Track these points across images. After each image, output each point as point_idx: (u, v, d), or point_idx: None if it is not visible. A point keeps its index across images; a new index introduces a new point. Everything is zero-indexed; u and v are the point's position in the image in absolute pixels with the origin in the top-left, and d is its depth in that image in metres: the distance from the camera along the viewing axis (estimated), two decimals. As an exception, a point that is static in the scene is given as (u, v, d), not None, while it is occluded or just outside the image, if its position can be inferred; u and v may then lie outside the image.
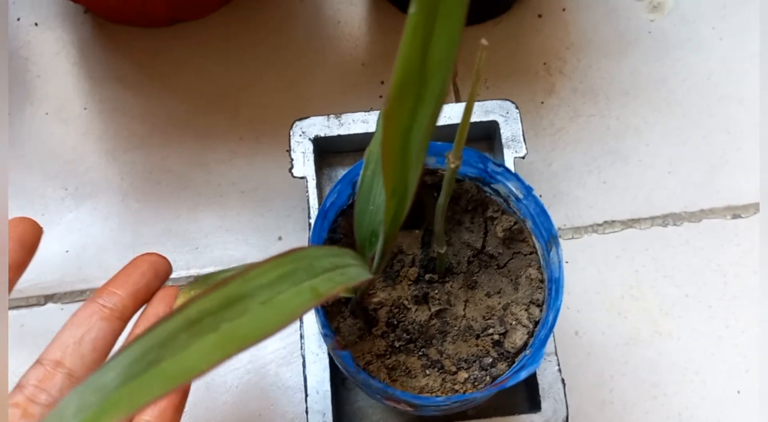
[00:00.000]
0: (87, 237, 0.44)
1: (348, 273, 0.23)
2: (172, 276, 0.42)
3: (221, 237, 0.44)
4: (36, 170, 0.46)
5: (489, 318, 0.31)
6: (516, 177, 0.29)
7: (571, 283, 0.43)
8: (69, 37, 0.50)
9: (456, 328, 0.31)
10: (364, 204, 0.27)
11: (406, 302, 0.31)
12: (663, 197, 0.45)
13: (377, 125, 0.28)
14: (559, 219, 0.45)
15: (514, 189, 0.30)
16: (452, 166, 0.26)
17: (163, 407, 0.28)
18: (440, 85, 0.21)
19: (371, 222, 0.27)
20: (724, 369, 0.41)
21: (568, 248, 0.44)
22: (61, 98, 0.48)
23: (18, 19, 0.51)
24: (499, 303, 0.31)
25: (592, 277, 0.43)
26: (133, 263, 0.31)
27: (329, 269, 0.22)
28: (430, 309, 0.31)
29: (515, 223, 0.32)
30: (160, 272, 0.31)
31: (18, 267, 0.29)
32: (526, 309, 0.30)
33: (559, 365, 0.37)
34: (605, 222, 0.45)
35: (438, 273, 0.32)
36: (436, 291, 0.31)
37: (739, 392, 0.41)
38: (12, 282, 0.29)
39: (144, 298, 0.30)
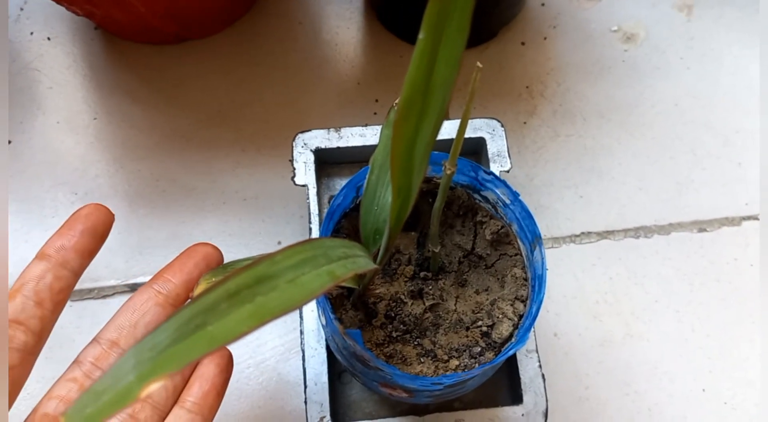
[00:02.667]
0: (96, 240, 0.47)
1: (358, 262, 0.26)
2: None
3: (224, 241, 0.47)
4: (47, 176, 0.49)
5: (478, 312, 0.34)
6: (504, 184, 0.33)
7: (550, 289, 0.46)
8: (80, 51, 0.53)
9: (448, 321, 0.34)
10: (369, 205, 0.30)
11: (402, 296, 0.34)
12: (635, 211, 0.49)
13: (380, 136, 0.31)
14: (540, 229, 0.48)
15: (502, 195, 0.33)
16: (448, 172, 0.29)
17: (207, 390, 0.30)
18: (442, 101, 0.24)
19: (375, 221, 0.30)
20: (690, 369, 0.45)
21: (548, 257, 0.47)
22: (71, 109, 0.51)
23: (31, 34, 0.53)
24: (487, 299, 0.34)
25: (569, 284, 0.47)
26: (187, 252, 0.32)
27: (342, 257, 0.25)
28: (424, 304, 0.34)
29: (502, 227, 0.35)
30: (212, 263, 0.33)
31: (89, 254, 0.30)
32: (512, 304, 0.33)
33: (539, 361, 0.40)
34: (582, 233, 0.48)
35: (432, 271, 0.35)
36: (430, 288, 0.34)
37: (704, 390, 0.44)
38: (81, 268, 0.30)
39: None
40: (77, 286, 0.45)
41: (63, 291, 0.29)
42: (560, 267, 0.47)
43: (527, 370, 0.40)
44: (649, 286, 0.47)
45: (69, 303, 0.45)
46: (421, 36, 0.22)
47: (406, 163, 0.25)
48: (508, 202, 0.33)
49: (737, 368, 0.45)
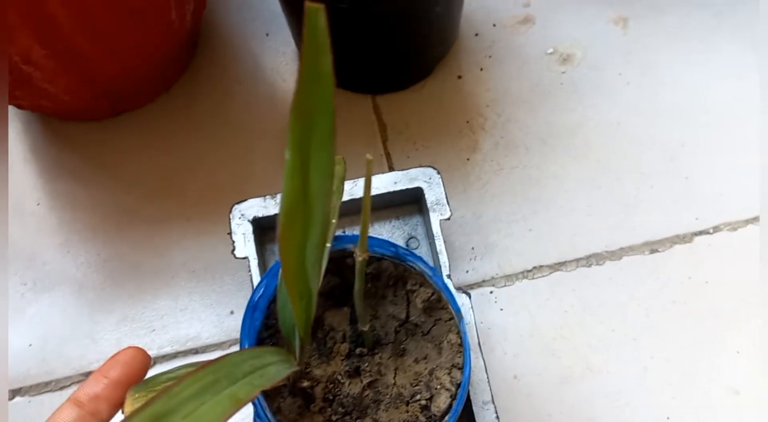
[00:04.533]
0: (48, 330, 0.47)
1: (268, 373, 0.26)
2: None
3: (176, 317, 0.47)
4: (-5, 269, 0.48)
5: (416, 385, 0.34)
6: (421, 260, 0.33)
7: (507, 329, 0.46)
8: (17, 135, 0.53)
9: (388, 396, 0.34)
10: (284, 300, 0.30)
11: (339, 377, 0.34)
12: (585, 239, 0.49)
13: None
14: (491, 268, 0.48)
15: (423, 268, 0.33)
16: (359, 258, 0.29)
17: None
18: (323, 208, 0.24)
19: (292, 317, 0.30)
20: (653, 397, 0.44)
21: (502, 295, 0.47)
22: (13, 196, 0.51)
23: (-33, 124, 0.53)
24: (426, 369, 0.34)
25: (525, 322, 0.46)
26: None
27: (249, 372, 0.25)
28: (362, 381, 0.34)
29: (433, 293, 0.35)
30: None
31: (120, 405, 0.30)
32: (449, 373, 0.33)
33: (496, 412, 0.40)
34: (534, 267, 0.48)
35: (367, 347, 0.34)
36: (367, 364, 0.34)
37: (668, 418, 0.44)
38: (110, 417, 0.30)
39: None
40: (33, 381, 0.45)
41: None
42: (515, 305, 0.47)
43: (484, 422, 0.40)
44: (604, 316, 0.47)
45: (28, 398, 0.45)
46: (287, 156, 0.22)
47: (299, 271, 0.25)
48: (431, 273, 0.33)
49: (700, 392, 0.45)
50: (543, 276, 0.48)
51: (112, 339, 0.46)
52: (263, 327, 0.34)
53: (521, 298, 0.47)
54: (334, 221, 0.31)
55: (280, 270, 0.30)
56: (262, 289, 0.33)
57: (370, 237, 0.34)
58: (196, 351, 0.46)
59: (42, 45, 0.41)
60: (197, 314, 0.47)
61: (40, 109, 0.51)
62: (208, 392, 0.23)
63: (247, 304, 0.32)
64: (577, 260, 0.48)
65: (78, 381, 0.45)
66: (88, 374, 0.46)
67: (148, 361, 0.31)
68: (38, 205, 0.51)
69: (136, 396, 0.30)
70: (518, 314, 0.47)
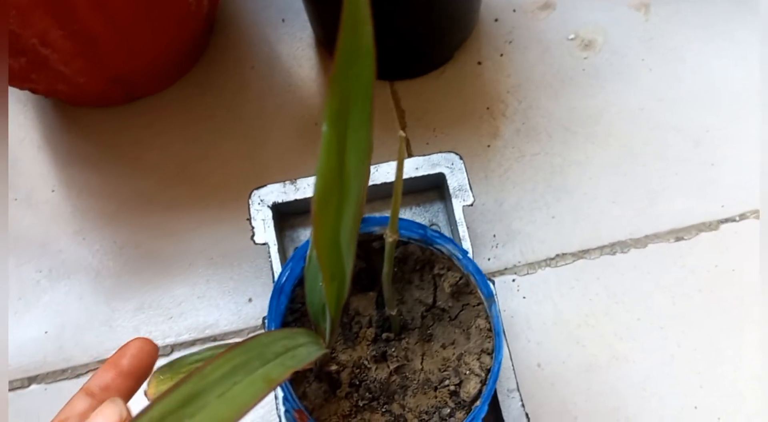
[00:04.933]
0: (64, 317, 0.46)
1: (299, 354, 0.25)
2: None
3: (193, 304, 0.46)
4: (10, 256, 0.48)
5: (445, 370, 0.33)
6: (451, 242, 0.32)
7: (530, 317, 0.45)
8: (31, 123, 0.52)
9: (415, 382, 0.33)
10: (312, 281, 0.29)
11: (366, 362, 0.33)
12: (609, 227, 0.48)
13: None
14: (514, 256, 0.47)
15: (453, 250, 0.32)
16: (389, 240, 0.28)
17: None
18: (359, 188, 0.23)
19: (321, 298, 0.29)
20: (680, 386, 0.44)
21: (524, 283, 0.46)
22: (28, 183, 0.50)
23: (-19, 110, 0.52)
24: (454, 354, 0.33)
25: (549, 310, 0.46)
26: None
27: (281, 353, 0.24)
28: (389, 367, 0.33)
29: (461, 278, 0.34)
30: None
31: (130, 394, 0.30)
32: (478, 359, 0.32)
33: (522, 400, 0.39)
34: (557, 255, 0.47)
35: (394, 332, 0.34)
36: (394, 349, 0.33)
37: (696, 407, 0.43)
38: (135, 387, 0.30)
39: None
40: (50, 369, 0.44)
41: None
42: (538, 293, 0.46)
43: (510, 411, 0.39)
44: (630, 304, 0.46)
45: (44, 385, 0.45)
46: (325, 129, 0.22)
47: (333, 252, 0.24)
48: (460, 256, 0.32)
49: (727, 380, 0.44)
50: (566, 264, 0.47)
51: (130, 326, 0.45)
52: (288, 311, 0.33)
53: (544, 286, 0.46)
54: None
55: (308, 252, 0.30)
56: (288, 272, 0.32)
57: (399, 219, 0.34)
58: (214, 338, 0.45)
59: (59, 26, 0.40)
60: (215, 301, 0.46)
61: (56, 93, 0.50)
62: (240, 372, 0.22)
63: (273, 288, 0.32)
64: (601, 248, 0.47)
65: (95, 369, 0.45)
66: (105, 361, 0.45)
67: (155, 352, 0.31)
68: (53, 191, 0.50)
69: (161, 377, 0.29)
70: (541, 302, 0.46)
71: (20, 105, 0.53)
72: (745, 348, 0.44)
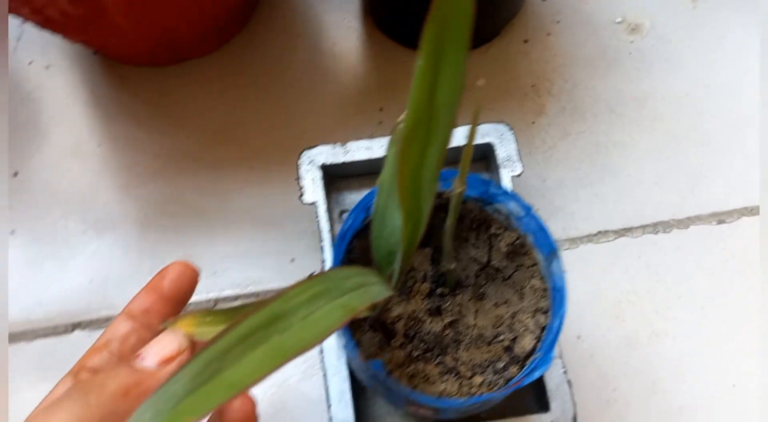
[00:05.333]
0: (109, 267, 0.47)
1: (372, 291, 0.25)
2: (194, 299, 0.44)
3: (237, 262, 0.47)
4: (57, 206, 0.48)
5: (498, 326, 0.33)
6: (515, 198, 0.32)
7: (570, 291, 0.45)
8: (80, 78, 0.53)
9: (468, 337, 0.33)
10: (379, 227, 0.29)
11: (420, 315, 0.33)
12: (652, 207, 0.48)
13: (386, 156, 0.31)
14: (555, 231, 0.47)
15: (514, 208, 0.33)
16: (458, 190, 0.28)
17: None
18: (447, 124, 0.23)
19: (387, 244, 0.29)
20: (719, 365, 0.44)
21: (565, 258, 0.46)
22: (75, 137, 0.51)
23: (30, 63, 0.53)
24: (507, 312, 0.34)
25: (590, 285, 0.46)
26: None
27: (355, 287, 0.25)
28: (443, 320, 0.33)
29: (517, 238, 0.34)
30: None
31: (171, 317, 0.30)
32: (533, 317, 0.33)
33: (564, 367, 0.39)
34: (599, 232, 0.48)
35: (448, 287, 0.34)
36: (448, 304, 0.34)
37: (734, 386, 0.43)
38: (175, 311, 0.30)
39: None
40: (93, 316, 0.45)
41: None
42: (580, 268, 0.46)
43: (552, 377, 0.39)
44: (671, 283, 0.46)
45: (87, 332, 0.45)
46: (420, 61, 0.22)
47: (414, 188, 0.24)
48: (521, 214, 0.33)
49: (766, 362, 0.44)
50: (608, 241, 0.47)
51: (174, 279, 0.46)
52: (345, 261, 0.33)
53: (586, 262, 0.47)
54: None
55: (375, 200, 0.30)
56: (351, 221, 0.32)
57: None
58: (257, 294, 0.46)
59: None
60: (258, 260, 0.47)
61: (107, 50, 0.51)
62: (321, 299, 0.23)
63: (337, 235, 0.32)
64: (644, 227, 0.48)
65: (138, 320, 0.45)
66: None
67: (196, 277, 0.31)
68: (99, 146, 0.50)
69: (207, 319, 0.28)
70: (582, 277, 0.46)
71: (69, 61, 0.53)
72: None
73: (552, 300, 0.32)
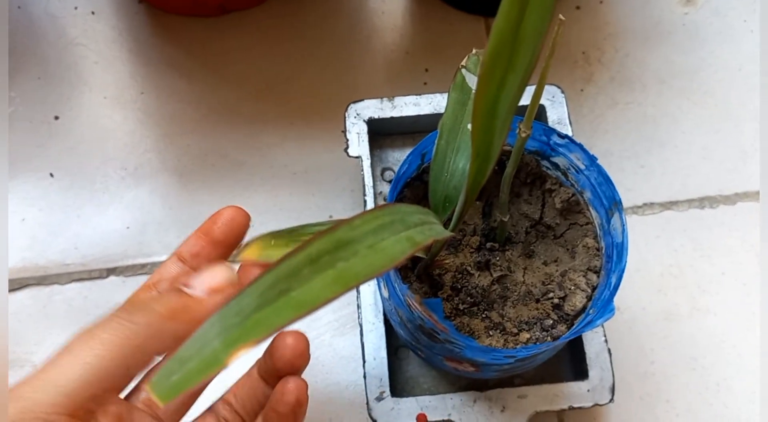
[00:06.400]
0: (147, 215, 0.46)
1: (435, 229, 0.25)
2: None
3: (275, 215, 0.46)
4: (97, 152, 0.48)
5: (548, 284, 0.33)
6: (580, 147, 0.31)
7: (612, 261, 0.45)
8: (124, 25, 0.52)
9: (516, 293, 0.32)
10: (438, 171, 0.29)
11: (469, 268, 0.33)
12: (698, 181, 0.47)
13: (448, 100, 0.30)
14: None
15: (576, 160, 0.32)
16: (523, 135, 0.28)
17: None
18: (530, 55, 0.22)
19: (445, 189, 0.29)
20: (760, 343, 0.43)
21: (608, 229, 0.46)
22: (118, 84, 0.50)
23: (75, 8, 0.53)
24: (557, 271, 0.33)
25: (632, 256, 0.45)
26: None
27: (419, 224, 0.24)
28: (491, 275, 0.33)
29: (573, 195, 0.33)
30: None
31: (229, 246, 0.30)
32: (584, 275, 0.32)
33: (605, 336, 0.39)
34: (644, 204, 0.47)
35: (498, 242, 0.33)
36: (497, 259, 0.33)
37: (774, 366, 0.43)
38: (225, 255, 0.30)
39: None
40: (129, 262, 0.45)
41: None
42: (621, 239, 0.45)
43: (592, 345, 0.39)
44: (716, 258, 0.45)
45: (122, 278, 0.45)
46: (508, -16, 0.21)
47: (487, 123, 0.24)
48: (582, 167, 0.32)
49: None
50: (653, 213, 0.46)
51: (212, 229, 0.46)
52: (396, 208, 0.33)
53: (630, 233, 0.44)
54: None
55: (436, 142, 0.29)
56: (406, 166, 0.32)
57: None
58: (296, 248, 0.45)
59: None
60: (296, 214, 0.46)
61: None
62: (387, 230, 0.22)
63: (393, 179, 0.31)
64: (690, 201, 0.47)
65: (174, 267, 0.45)
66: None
67: (247, 221, 0.31)
68: (142, 94, 0.50)
69: (274, 242, 0.28)
70: (625, 248, 0.45)
71: (114, 8, 0.53)
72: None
73: (607, 256, 0.31)
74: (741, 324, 0.43)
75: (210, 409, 0.30)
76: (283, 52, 0.51)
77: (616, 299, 0.43)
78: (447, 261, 0.32)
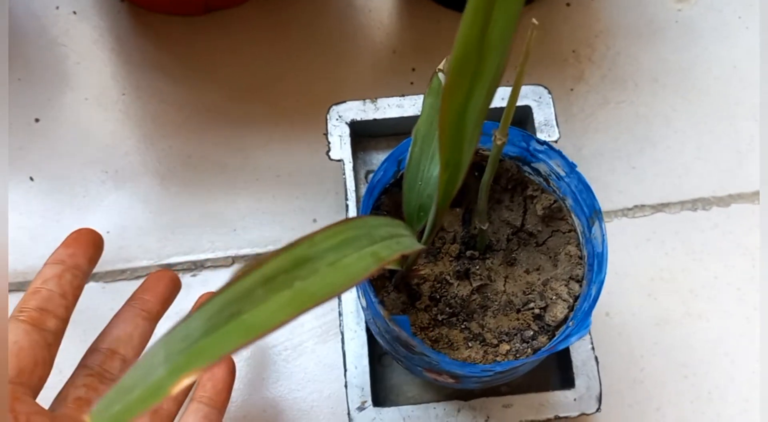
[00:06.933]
0: (127, 219, 0.46)
1: (403, 242, 0.24)
2: (212, 256, 0.43)
3: (258, 219, 0.45)
4: (77, 154, 0.47)
5: (529, 293, 0.32)
6: (559, 154, 0.30)
7: (601, 266, 0.43)
8: (106, 25, 0.51)
9: (497, 303, 0.32)
10: (412, 180, 0.28)
11: (448, 277, 0.32)
12: (692, 182, 0.46)
13: (423, 105, 0.29)
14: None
15: (556, 167, 0.31)
16: (498, 142, 0.27)
17: (220, 388, 0.33)
18: (497, 63, 0.21)
19: (419, 197, 0.28)
20: (754, 350, 0.42)
21: (598, 232, 0.45)
22: (99, 84, 0.50)
23: (57, 8, 0.52)
24: (539, 279, 0.32)
25: (622, 260, 0.44)
26: (155, 276, 0.37)
27: (386, 237, 0.23)
28: (471, 284, 0.32)
29: (555, 202, 0.32)
30: (177, 287, 0.37)
31: (94, 261, 0.34)
32: (566, 285, 0.31)
33: (592, 343, 0.38)
34: (635, 206, 0.46)
35: (478, 250, 0.32)
36: (477, 267, 0.32)
37: (768, 373, 0.41)
38: (89, 272, 0.34)
39: (168, 304, 0.36)
40: (109, 267, 0.44)
41: (79, 288, 0.32)
42: (612, 242, 0.44)
43: (579, 353, 0.38)
44: (708, 262, 0.44)
45: (102, 284, 0.44)
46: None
47: (455, 133, 0.23)
48: (562, 174, 0.31)
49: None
50: (644, 216, 0.45)
51: (192, 234, 0.45)
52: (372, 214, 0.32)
53: (620, 236, 0.45)
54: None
55: (410, 149, 0.28)
56: (381, 173, 0.31)
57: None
58: (278, 253, 0.44)
59: None
60: (279, 218, 0.45)
61: (134, -4, 0.50)
62: (350, 246, 0.21)
63: (367, 187, 0.30)
64: (682, 203, 0.45)
65: (155, 270, 0.44)
66: (165, 265, 0.44)
67: (101, 239, 0.35)
68: (123, 95, 0.49)
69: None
70: (615, 252, 0.44)
71: (96, 7, 0.52)
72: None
73: (590, 265, 0.30)
74: (735, 331, 0.42)
75: None
76: (268, 50, 0.50)
77: (605, 304, 0.43)
78: (424, 272, 0.31)
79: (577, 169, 0.30)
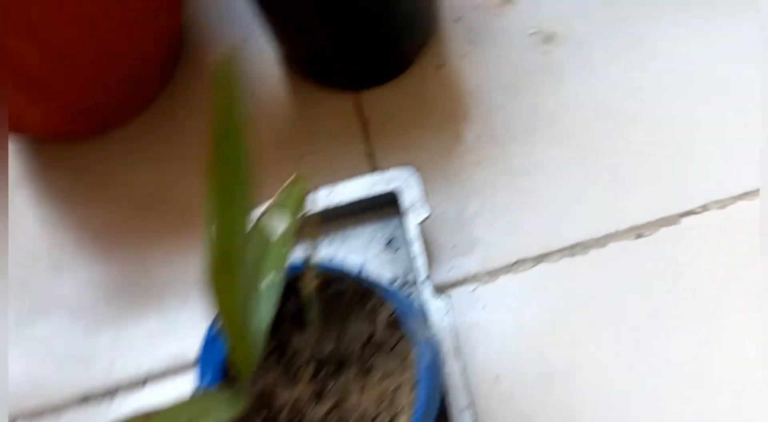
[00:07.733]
0: (44, 354, 0.48)
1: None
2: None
3: (165, 336, 0.48)
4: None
5: (380, 403, 0.34)
6: (379, 285, 0.33)
7: (489, 328, 0.45)
8: (10, 161, 0.54)
9: (352, 419, 0.34)
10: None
11: (304, 401, 0.34)
12: (569, 227, 0.48)
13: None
14: (474, 265, 0.47)
15: (380, 291, 0.33)
16: (309, 288, 0.29)
17: None
18: (252, 254, 0.24)
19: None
20: (642, 392, 0.43)
21: (485, 293, 0.47)
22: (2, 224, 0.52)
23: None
24: (390, 386, 0.34)
25: (508, 319, 0.46)
26: None
27: (188, 423, 0.25)
28: (325, 405, 0.34)
29: (392, 313, 0.35)
30: None
31: None
32: (411, 392, 0.33)
33: (475, 418, 0.40)
34: (517, 261, 0.47)
35: (331, 368, 0.35)
36: (332, 384, 0.34)
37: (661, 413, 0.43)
38: None
39: None
40: (29, 405, 0.46)
41: None
42: (497, 302, 0.46)
43: (463, 428, 0.40)
44: (590, 306, 0.45)
45: None
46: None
47: (232, 318, 0.25)
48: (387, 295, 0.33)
49: (691, 385, 0.43)
50: (526, 269, 0.47)
51: (107, 359, 0.47)
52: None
53: (504, 294, 0.47)
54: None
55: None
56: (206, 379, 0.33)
57: (332, 263, 0.35)
58: (185, 368, 0.47)
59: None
60: (186, 330, 0.48)
61: (23, 129, 0.52)
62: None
63: (204, 339, 0.33)
64: (561, 250, 0.47)
65: (75, 404, 0.47)
66: (84, 398, 0.47)
67: None
68: (30, 228, 0.52)
69: None
70: (501, 311, 0.46)
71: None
72: (716, 347, 0.43)
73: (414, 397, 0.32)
74: (621, 374, 0.43)
75: None
76: (164, 160, 0.53)
77: (496, 367, 0.45)
78: (277, 403, 0.33)
79: (409, 285, 0.32)
